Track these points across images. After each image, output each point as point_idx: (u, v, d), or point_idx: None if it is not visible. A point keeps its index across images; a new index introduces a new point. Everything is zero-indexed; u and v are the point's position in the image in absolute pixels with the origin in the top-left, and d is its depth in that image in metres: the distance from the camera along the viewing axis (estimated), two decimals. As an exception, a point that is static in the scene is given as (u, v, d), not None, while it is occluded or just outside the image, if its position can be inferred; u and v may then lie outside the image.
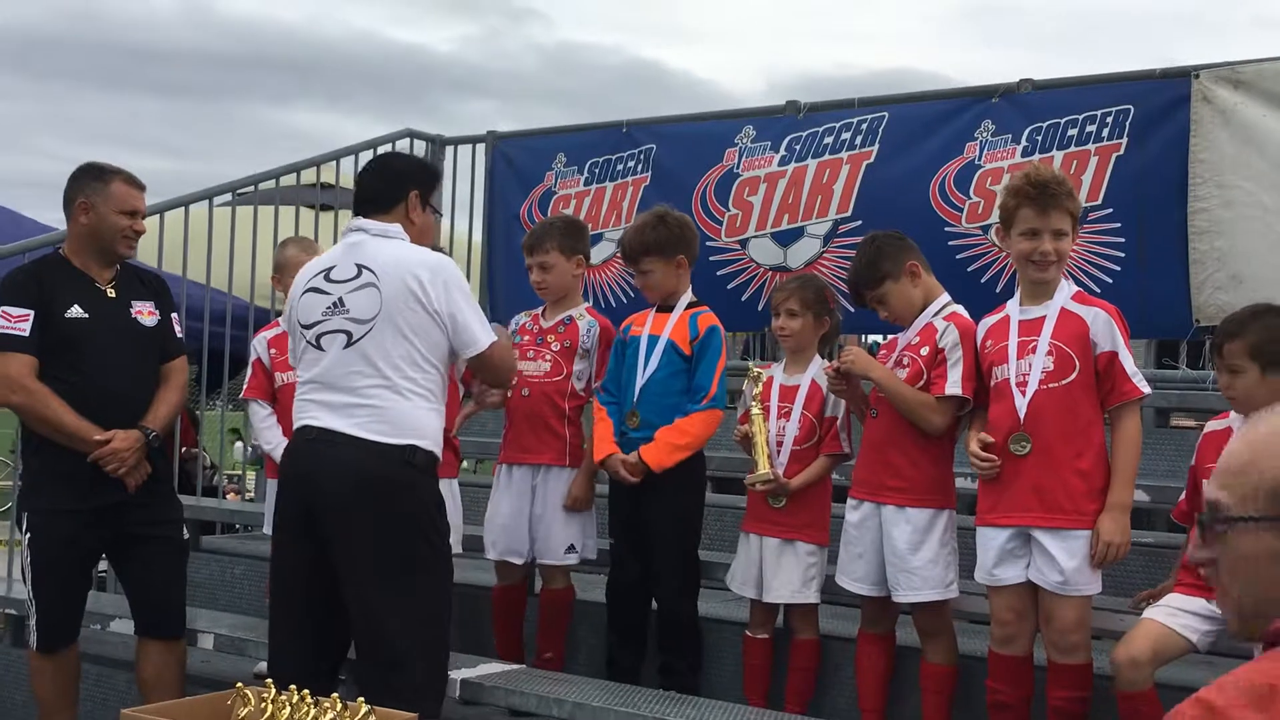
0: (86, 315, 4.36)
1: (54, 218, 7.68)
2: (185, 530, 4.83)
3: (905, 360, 4.10)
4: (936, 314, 4.12)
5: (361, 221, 3.92)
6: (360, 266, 3.80)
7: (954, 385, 3.95)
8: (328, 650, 3.88)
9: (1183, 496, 3.87)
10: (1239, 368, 3.61)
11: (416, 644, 3.70)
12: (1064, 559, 3.70)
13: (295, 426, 3.86)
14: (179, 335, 4.70)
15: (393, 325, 3.71)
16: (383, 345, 3.71)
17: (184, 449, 7.06)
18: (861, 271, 4.25)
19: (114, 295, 4.47)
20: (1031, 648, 3.88)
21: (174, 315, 4.69)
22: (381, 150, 7.03)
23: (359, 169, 4.20)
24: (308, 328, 3.84)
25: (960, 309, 4.16)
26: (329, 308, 3.80)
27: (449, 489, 4.94)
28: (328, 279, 3.84)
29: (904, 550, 4.01)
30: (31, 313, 4.28)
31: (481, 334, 3.82)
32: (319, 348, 3.80)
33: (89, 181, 4.46)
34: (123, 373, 4.42)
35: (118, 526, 4.43)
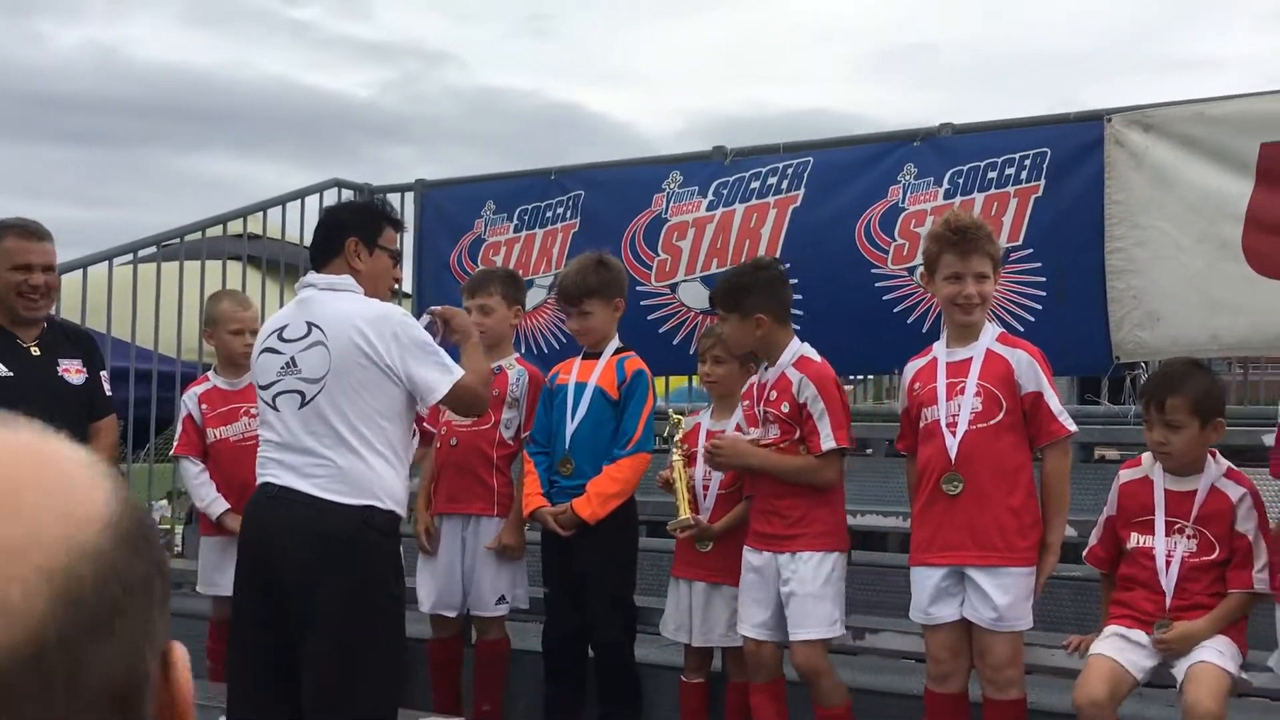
0: (10, 374, 4.28)
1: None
2: None
3: (772, 418, 4.14)
4: (790, 363, 4.14)
5: (311, 277, 3.90)
6: (310, 324, 3.76)
7: (828, 439, 4.03)
8: (287, 710, 3.81)
9: (1096, 542, 3.93)
10: (1180, 423, 3.67)
11: (362, 709, 3.65)
12: (997, 595, 3.75)
13: (258, 483, 3.81)
14: (108, 393, 4.62)
15: (343, 383, 3.67)
16: (336, 404, 3.67)
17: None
18: (719, 292, 4.33)
19: (38, 354, 4.38)
20: (967, 685, 3.92)
21: (103, 373, 4.60)
22: (309, 200, 7.05)
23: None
24: (264, 388, 3.82)
25: (808, 350, 4.17)
26: (282, 368, 3.77)
27: None
28: (281, 338, 3.81)
29: (799, 590, 4.04)
30: None
31: (439, 379, 3.72)
32: (275, 408, 3.77)
33: None
34: None
35: None
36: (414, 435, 4.04)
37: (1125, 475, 3.90)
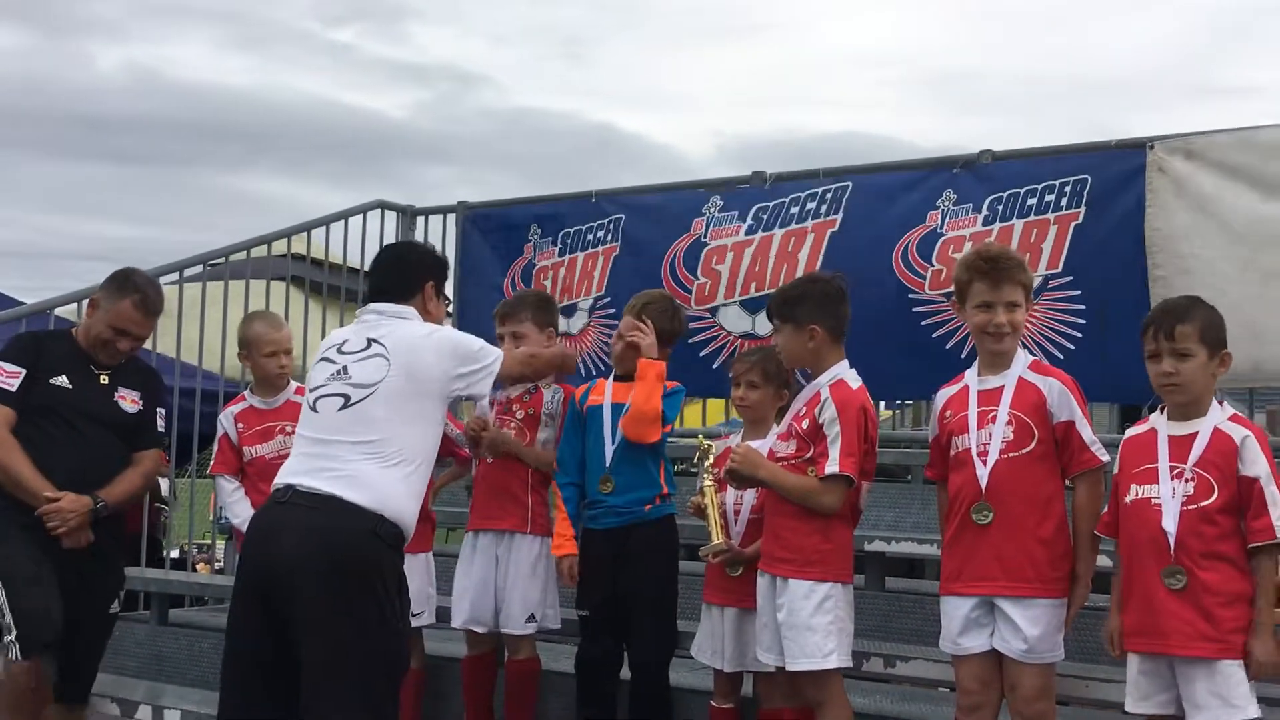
0: (70, 387, 4.65)
1: (7, 285, 7.70)
2: (118, 603, 4.90)
3: (794, 432, 4.13)
4: (827, 383, 4.11)
5: (376, 305, 4.01)
6: (371, 340, 3.88)
7: (833, 464, 3.97)
8: (278, 713, 3.78)
9: (1105, 509, 3.77)
10: (1190, 351, 3.56)
11: (357, 714, 3.64)
12: (1028, 627, 3.71)
13: (274, 486, 3.85)
14: (159, 429, 4.89)
15: (392, 395, 3.77)
16: (377, 413, 3.75)
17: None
18: (775, 302, 4.33)
19: (105, 381, 4.73)
20: (997, 716, 3.88)
21: (160, 410, 4.89)
22: (353, 220, 7.14)
23: (372, 256, 4.32)
24: (311, 391, 3.90)
25: (850, 377, 4.14)
26: (332, 374, 3.85)
27: (424, 562, 4.96)
28: (339, 351, 3.91)
29: (788, 619, 4.00)
30: (24, 372, 4.60)
31: (487, 380, 3.98)
32: (314, 410, 3.84)
33: (110, 287, 4.75)
34: (88, 445, 4.63)
35: (61, 576, 4.55)
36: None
37: (1131, 430, 3.78)
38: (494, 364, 3.97)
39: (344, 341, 3.93)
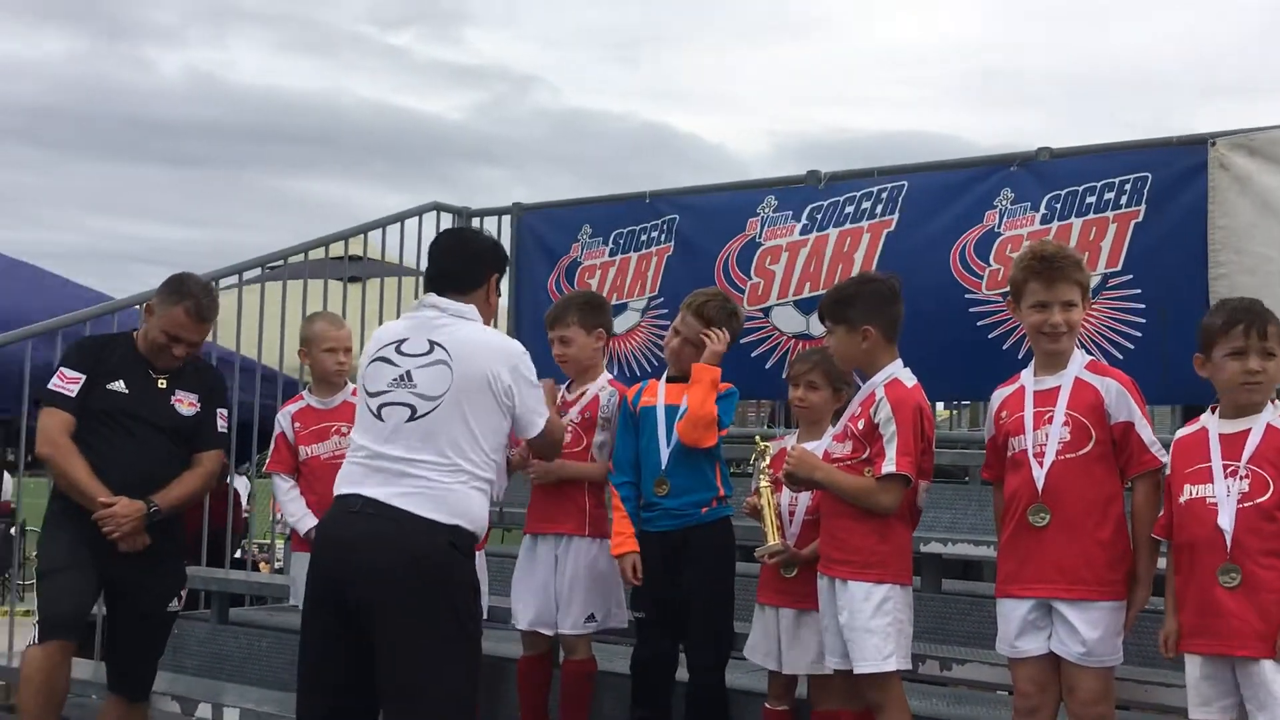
0: (126, 392, 4.73)
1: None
2: (178, 602, 4.99)
3: (850, 433, 4.10)
4: (882, 382, 4.08)
5: (436, 299, 3.96)
6: (433, 343, 3.83)
7: (890, 463, 3.93)
8: None
9: (1162, 512, 3.71)
10: (1275, 351, 3.54)
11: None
12: (1086, 630, 3.67)
13: (338, 493, 3.83)
14: (220, 430, 4.95)
15: (458, 406, 3.76)
16: (445, 424, 3.75)
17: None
18: (826, 303, 4.29)
19: (163, 385, 4.80)
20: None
21: (220, 411, 4.95)
22: (409, 222, 7.19)
23: (430, 243, 4.27)
24: (371, 395, 3.86)
25: (904, 376, 4.10)
26: (396, 379, 3.82)
27: (477, 561, 4.98)
28: (399, 351, 3.87)
29: (849, 621, 3.98)
30: (84, 377, 4.68)
31: (540, 419, 3.99)
32: (379, 418, 3.81)
33: (165, 292, 4.81)
34: (143, 449, 4.71)
35: (117, 575, 4.67)
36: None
37: (1181, 432, 3.75)
38: (541, 420, 4.01)
39: (403, 340, 3.88)
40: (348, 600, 3.68)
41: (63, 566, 4.63)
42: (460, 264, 4.03)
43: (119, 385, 4.72)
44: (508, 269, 7.17)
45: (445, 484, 3.72)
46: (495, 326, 4.30)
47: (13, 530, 9.17)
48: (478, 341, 3.87)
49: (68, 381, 4.67)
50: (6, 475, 9.20)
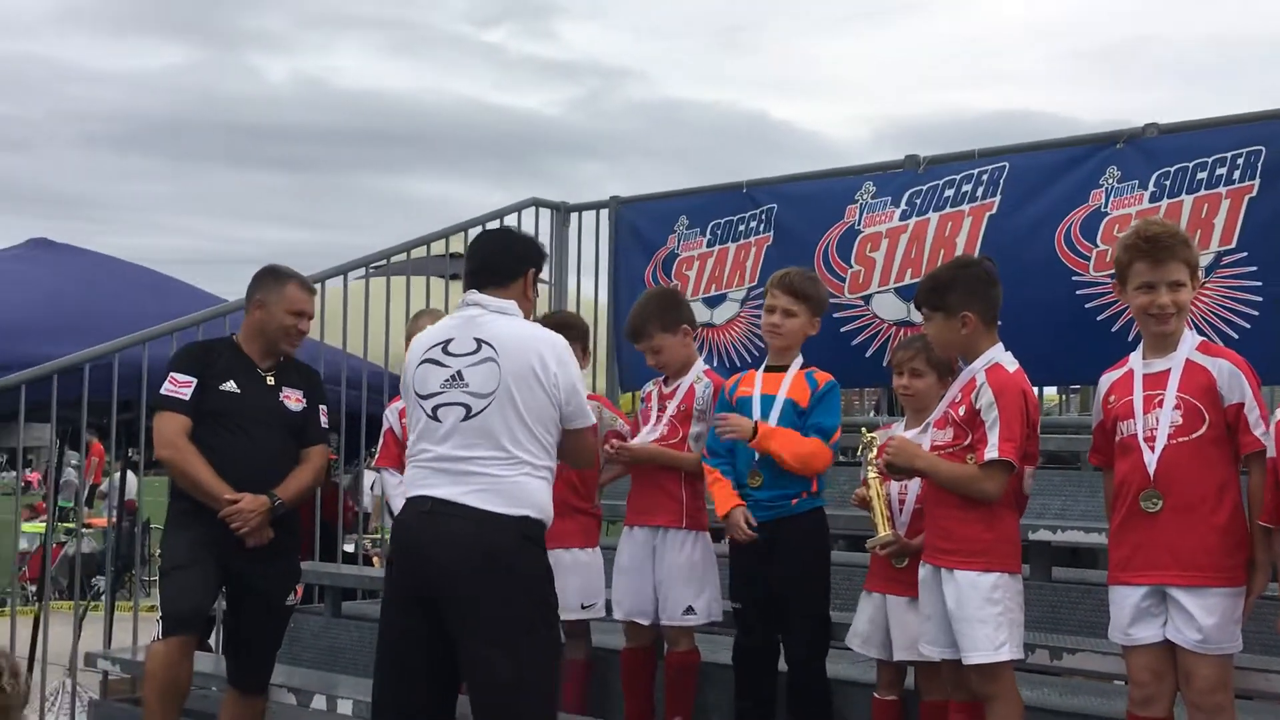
0: (239, 391, 4.87)
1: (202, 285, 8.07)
2: (295, 597, 5.14)
3: (950, 420, 4.04)
4: (983, 367, 4.01)
5: (479, 296, 4.03)
6: (479, 341, 3.91)
7: (992, 449, 3.86)
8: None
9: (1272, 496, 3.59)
10: None
11: (530, 708, 3.78)
12: (1203, 617, 3.57)
13: (409, 496, 3.95)
14: (323, 425, 5.10)
15: (510, 400, 3.83)
16: (500, 419, 3.82)
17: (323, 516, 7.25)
18: (923, 290, 4.23)
19: (271, 383, 4.96)
20: (1171, 709, 3.74)
21: (322, 408, 5.10)
22: (509, 220, 7.25)
23: (471, 240, 4.38)
24: (425, 398, 3.94)
25: (1006, 360, 4.03)
26: (447, 380, 3.90)
27: (593, 556, 5.01)
28: (446, 351, 3.95)
29: (956, 611, 3.92)
30: (195, 380, 4.82)
31: (589, 410, 4.04)
32: (436, 419, 3.90)
33: (267, 281, 5.00)
34: (260, 445, 4.85)
35: (237, 570, 4.80)
36: None
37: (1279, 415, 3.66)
38: (585, 420, 4.02)
39: (450, 340, 3.96)
40: (425, 599, 3.80)
41: (184, 564, 4.77)
42: (498, 257, 4.11)
43: (231, 386, 4.86)
44: (605, 262, 7.30)
45: (508, 477, 3.81)
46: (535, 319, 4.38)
47: (136, 528, 9.46)
48: (522, 335, 3.94)
49: (180, 385, 4.81)
50: (130, 474, 9.48)
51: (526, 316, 4.12)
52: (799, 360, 4.67)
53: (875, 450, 4.32)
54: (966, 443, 3.97)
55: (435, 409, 3.91)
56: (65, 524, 13.05)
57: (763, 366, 4.77)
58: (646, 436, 4.91)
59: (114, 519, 8.50)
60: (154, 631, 5.40)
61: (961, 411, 4.00)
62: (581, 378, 4.04)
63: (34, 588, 11.80)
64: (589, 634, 5.19)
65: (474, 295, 4.04)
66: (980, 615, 3.88)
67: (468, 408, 3.85)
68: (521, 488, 3.82)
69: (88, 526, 12.70)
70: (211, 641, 6.32)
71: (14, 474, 9.77)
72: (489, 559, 3.75)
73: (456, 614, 3.76)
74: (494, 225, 7.27)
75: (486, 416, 3.83)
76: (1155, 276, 3.69)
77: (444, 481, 3.84)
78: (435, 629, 3.80)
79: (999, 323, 4.12)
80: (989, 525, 3.94)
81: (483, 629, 3.75)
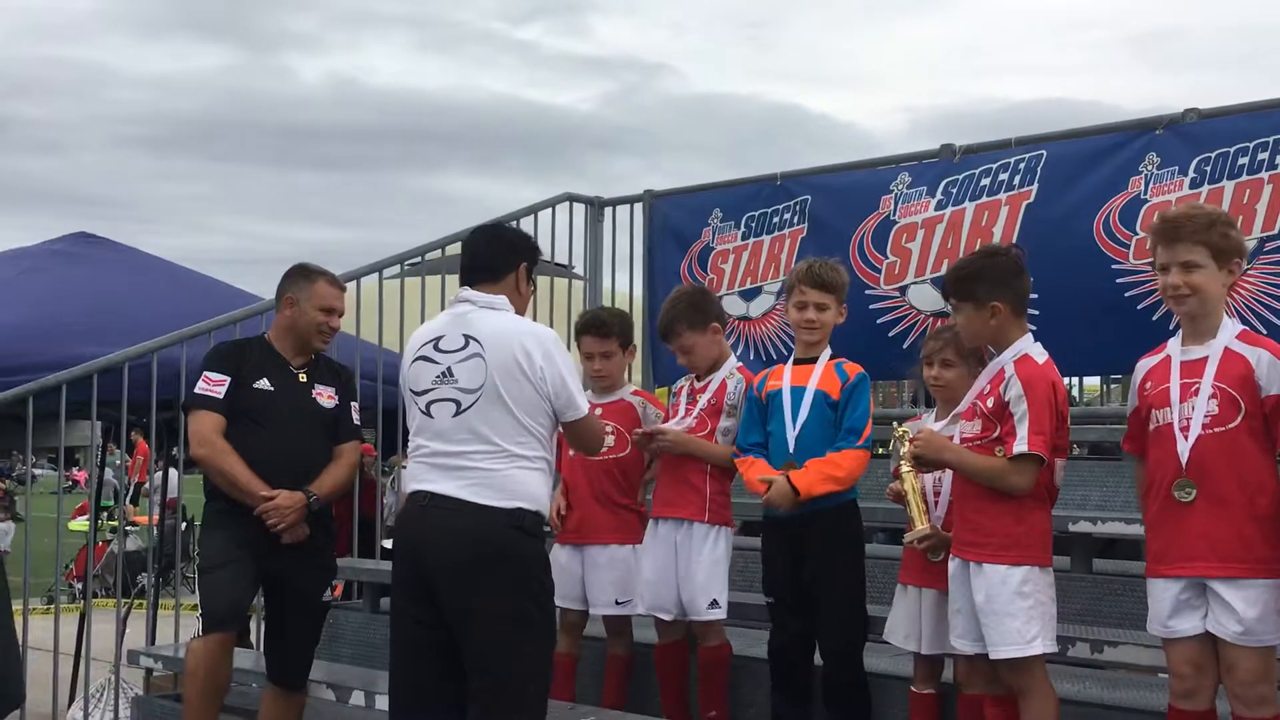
0: (272, 389, 4.91)
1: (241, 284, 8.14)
2: (332, 592, 5.17)
3: (979, 412, 3.99)
4: (1011, 359, 3.96)
5: (469, 293, 4.09)
6: (467, 337, 3.97)
7: (1022, 442, 3.82)
8: (447, 703, 3.97)
9: None
10: None
11: (521, 694, 3.86)
12: (1243, 608, 3.50)
13: (408, 492, 4.04)
14: (355, 422, 5.14)
15: (497, 395, 3.89)
16: (489, 414, 3.89)
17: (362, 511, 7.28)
18: (950, 280, 4.18)
19: (303, 380, 4.99)
20: (1214, 702, 3.68)
21: (353, 404, 5.14)
22: (542, 214, 7.25)
23: (468, 238, 4.39)
24: (419, 395, 4.03)
25: (1035, 351, 3.98)
26: (438, 376, 3.98)
27: (634, 553, 5.00)
28: (436, 348, 4.02)
29: (985, 605, 3.88)
30: (229, 379, 4.85)
31: (581, 401, 4.05)
32: (429, 415, 3.98)
33: (297, 279, 5.04)
34: (295, 442, 4.88)
35: (273, 568, 4.83)
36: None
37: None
38: (576, 412, 4.04)
39: (440, 338, 4.02)
40: (426, 592, 3.89)
41: (222, 563, 4.80)
42: (489, 253, 4.16)
43: (264, 383, 4.90)
44: (640, 255, 7.28)
45: (500, 470, 3.87)
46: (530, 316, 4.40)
47: (181, 525, 9.57)
48: (507, 329, 3.98)
49: (214, 384, 4.85)
50: (173, 472, 9.57)
51: (520, 312, 4.15)
52: (828, 352, 4.63)
53: (907, 444, 4.28)
54: (995, 435, 3.93)
55: (429, 405, 3.98)
56: (111, 522, 13.20)
57: (791, 359, 4.73)
58: (676, 427, 4.89)
59: (157, 517, 8.57)
60: (195, 628, 5.44)
61: (990, 403, 3.95)
62: (573, 369, 4.06)
63: (79, 585, 11.95)
64: (630, 630, 5.17)
65: (465, 292, 4.10)
66: (1010, 609, 3.84)
67: (458, 403, 3.92)
68: (514, 480, 3.89)
69: (133, 525, 12.83)
70: (252, 638, 6.36)
71: (59, 472, 9.87)
72: (479, 550, 3.83)
73: (453, 604, 3.85)
74: (528, 221, 7.32)
75: (476, 411, 3.89)
76: (1168, 258, 3.64)
77: (439, 476, 3.92)
78: (439, 622, 3.89)
79: (1032, 312, 4.07)
80: (1019, 518, 3.89)
81: (477, 618, 3.83)
